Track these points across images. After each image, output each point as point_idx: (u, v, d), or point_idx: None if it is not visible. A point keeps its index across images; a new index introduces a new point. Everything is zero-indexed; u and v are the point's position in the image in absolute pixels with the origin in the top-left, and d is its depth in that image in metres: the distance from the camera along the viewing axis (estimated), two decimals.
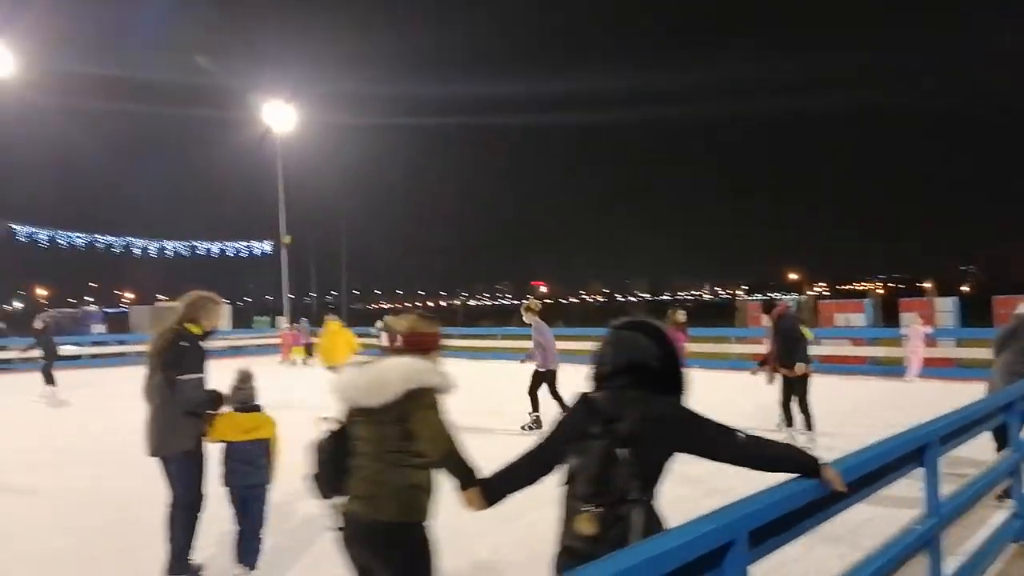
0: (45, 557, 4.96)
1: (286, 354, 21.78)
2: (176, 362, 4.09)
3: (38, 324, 14.35)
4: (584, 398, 2.31)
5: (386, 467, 2.60)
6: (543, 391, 9.18)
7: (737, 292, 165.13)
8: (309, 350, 21.98)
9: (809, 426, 8.11)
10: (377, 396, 2.60)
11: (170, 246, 30.00)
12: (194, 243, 30.46)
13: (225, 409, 4.29)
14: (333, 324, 12.52)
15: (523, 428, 9.13)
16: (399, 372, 2.63)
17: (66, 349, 22.34)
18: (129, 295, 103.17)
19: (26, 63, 23.50)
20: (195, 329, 4.27)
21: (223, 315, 4.47)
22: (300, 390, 13.55)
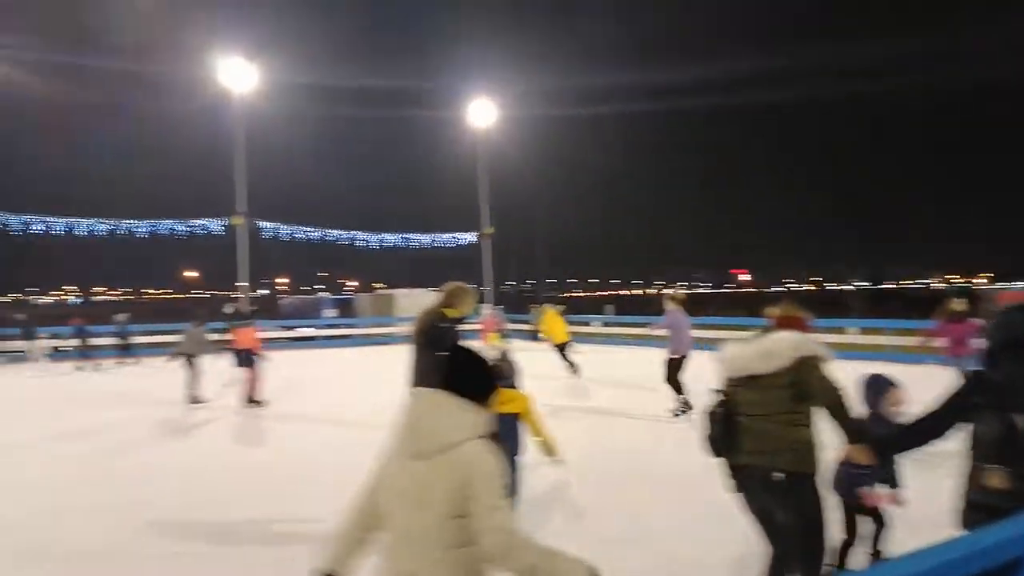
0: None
1: (485, 338, 22.89)
2: (436, 341, 4.55)
3: (228, 310, 15.66)
4: (976, 373, 2.60)
5: (778, 426, 2.97)
6: (682, 374, 9.39)
7: (977, 281, 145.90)
8: (504, 336, 23.07)
9: None
10: (769, 363, 3.03)
11: (389, 238, 32.60)
12: (408, 235, 32.86)
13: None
14: (551, 311, 14.66)
15: (673, 413, 9.30)
16: (788, 343, 3.05)
17: (303, 331, 25.32)
18: (352, 283, 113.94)
19: (267, 77, 26.61)
20: (451, 313, 4.81)
21: (474, 302, 4.95)
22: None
